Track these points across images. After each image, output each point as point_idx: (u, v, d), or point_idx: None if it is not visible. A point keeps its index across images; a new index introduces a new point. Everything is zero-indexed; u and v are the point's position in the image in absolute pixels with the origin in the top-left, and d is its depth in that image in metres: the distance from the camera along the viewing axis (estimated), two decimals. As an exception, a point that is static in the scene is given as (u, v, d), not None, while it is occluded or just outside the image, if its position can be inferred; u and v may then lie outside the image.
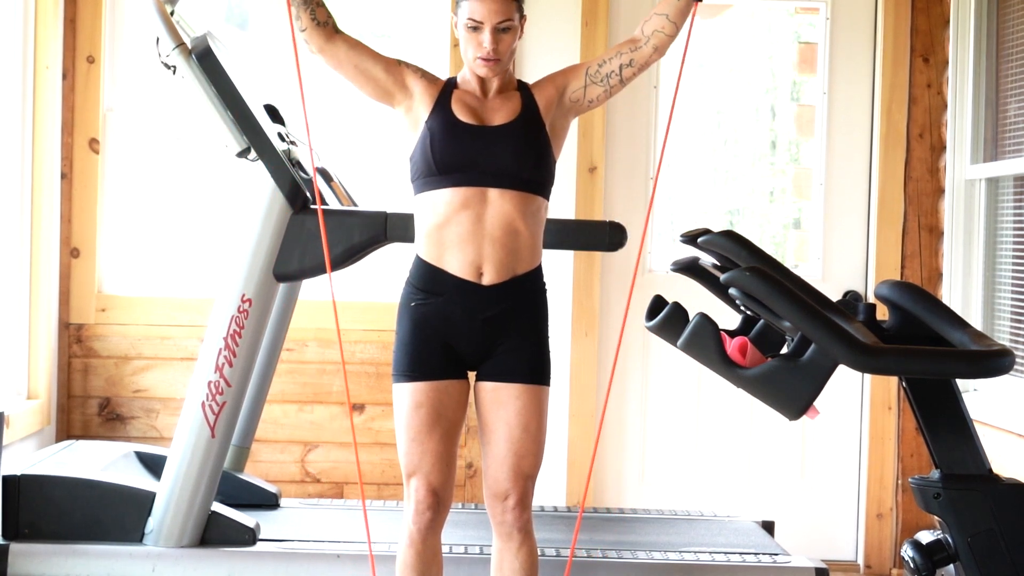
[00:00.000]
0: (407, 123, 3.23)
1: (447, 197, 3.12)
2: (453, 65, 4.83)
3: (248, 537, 3.81)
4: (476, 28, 3.11)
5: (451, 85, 3.24)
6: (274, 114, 4.04)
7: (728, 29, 5.23)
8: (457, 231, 3.11)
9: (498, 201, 3.11)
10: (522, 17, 3.19)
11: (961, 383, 4.10)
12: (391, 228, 3.77)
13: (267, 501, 4.28)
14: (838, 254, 5.04)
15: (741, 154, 5.20)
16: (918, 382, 2.73)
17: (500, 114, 3.19)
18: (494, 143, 3.13)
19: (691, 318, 2.78)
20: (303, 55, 3.29)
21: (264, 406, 4.36)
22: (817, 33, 5.07)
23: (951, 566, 2.77)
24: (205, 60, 3.69)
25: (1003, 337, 4.50)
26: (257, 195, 3.78)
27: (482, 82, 3.22)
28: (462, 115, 3.16)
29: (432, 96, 3.20)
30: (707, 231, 2.96)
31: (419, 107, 3.20)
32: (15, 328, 4.57)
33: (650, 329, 2.90)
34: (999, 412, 4.28)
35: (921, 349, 2.64)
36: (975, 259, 4.69)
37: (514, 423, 3.12)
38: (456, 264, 3.13)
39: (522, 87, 3.27)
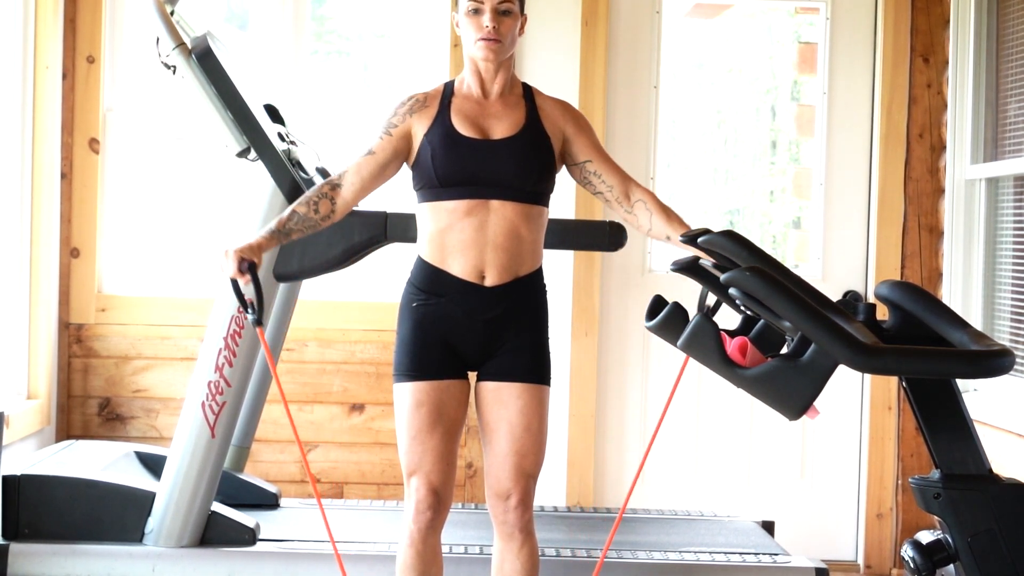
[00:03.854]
0: (413, 148, 3.21)
1: (450, 207, 3.12)
2: (453, 65, 4.83)
3: (248, 537, 3.81)
4: (477, 11, 3.12)
5: (449, 92, 3.22)
6: (274, 114, 4.04)
7: (728, 29, 5.24)
8: (460, 237, 3.12)
9: (500, 210, 3.12)
10: (523, 14, 3.20)
11: (961, 383, 4.10)
12: (391, 228, 3.77)
13: (267, 501, 4.28)
14: (838, 254, 5.04)
15: (741, 154, 5.20)
16: (918, 382, 2.73)
17: (503, 125, 3.18)
18: (496, 157, 3.13)
19: (691, 318, 2.78)
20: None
21: (264, 406, 4.36)
22: (817, 33, 5.07)
23: (951, 566, 2.76)
24: (205, 60, 3.69)
25: (1003, 337, 4.50)
26: (257, 195, 3.78)
27: (482, 83, 3.21)
28: (462, 127, 3.15)
29: (429, 115, 3.18)
30: (707, 231, 2.96)
31: (420, 132, 3.18)
32: (15, 328, 4.57)
33: (650, 329, 2.90)
34: (999, 412, 4.28)
35: (921, 349, 2.64)
36: (975, 259, 4.69)
37: (516, 422, 3.12)
38: (458, 267, 3.13)
39: (527, 93, 3.25)
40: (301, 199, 3.19)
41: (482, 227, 3.12)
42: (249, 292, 3.16)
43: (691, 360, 2.87)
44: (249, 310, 3.17)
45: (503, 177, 3.12)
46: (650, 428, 4.99)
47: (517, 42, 3.21)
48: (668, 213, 3.24)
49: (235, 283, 3.15)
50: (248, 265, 3.11)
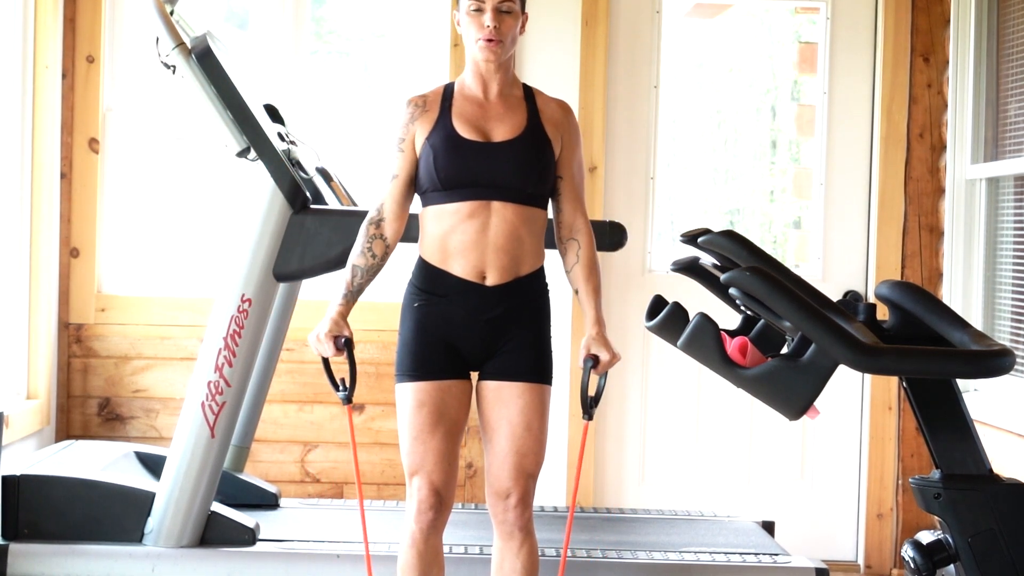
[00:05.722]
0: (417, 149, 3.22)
1: (452, 209, 3.13)
2: (453, 65, 4.82)
3: (248, 537, 3.81)
4: (479, 10, 3.13)
5: (449, 93, 3.22)
6: (274, 114, 4.04)
7: (728, 29, 5.24)
8: (462, 239, 3.12)
9: (501, 211, 3.13)
10: (524, 13, 3.20)
11: (961, 383, 4.10)
12: (391, 228, 3.76)
13: (267, 501, 4.28)
14: (838, 254, 5.03)
15: (741, 154, 5.20)
16: (918, 382, 2.73)
17: (503, 127, 3.18)
18: (497, 159, 3.13)
19: (691, 318, 2.78)
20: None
21: (264, 406, 4.36)
22: (817, 33, 5.06)
23: (951, 566, 2.76)
24: (205, 60, 3.69)
25: (1003, 337, 4.50)
26: (257, 195, 3.78)
27: (483, 83, 3.21)
28: (463, 129, 3.16)
29: (431, 118, 3.18)
30: (707, 231, 2.96)
31: (420, 135, 3.19)
32: (15, 328, 4.57)
33: (650, 329, 2.90)
34: (999, 412, 4.27)
35: (921, 349, 2.64)
36: (975, 259, 4.69)
37: (516, 422, 3.12)
38: (459, 267, 3.13)
39: (527, 94, 3.26)
40: (355, 251, 3.21)
41: (483, 229, 3.12)
42: (342, 370, 3.17)
43: (691, 360, 2.87)
44: (340, 388, 3.18)
45: (504, 179, 3.12)
46: (650, 428, 4.99)
47: (518, 41, 3.22)
48: (590, 269, 3.23)
49: (327, 362, 3.16)
50: (344, 342, 3.13)
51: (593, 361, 3.17)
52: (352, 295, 3.19)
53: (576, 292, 3.23)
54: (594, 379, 3.19)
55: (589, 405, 3.16)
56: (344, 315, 3.17)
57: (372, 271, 3.21)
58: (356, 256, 3.20)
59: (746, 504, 4.94)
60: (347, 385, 3.20)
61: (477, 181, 3.12)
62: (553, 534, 4.09)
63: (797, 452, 5.03)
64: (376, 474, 4.90)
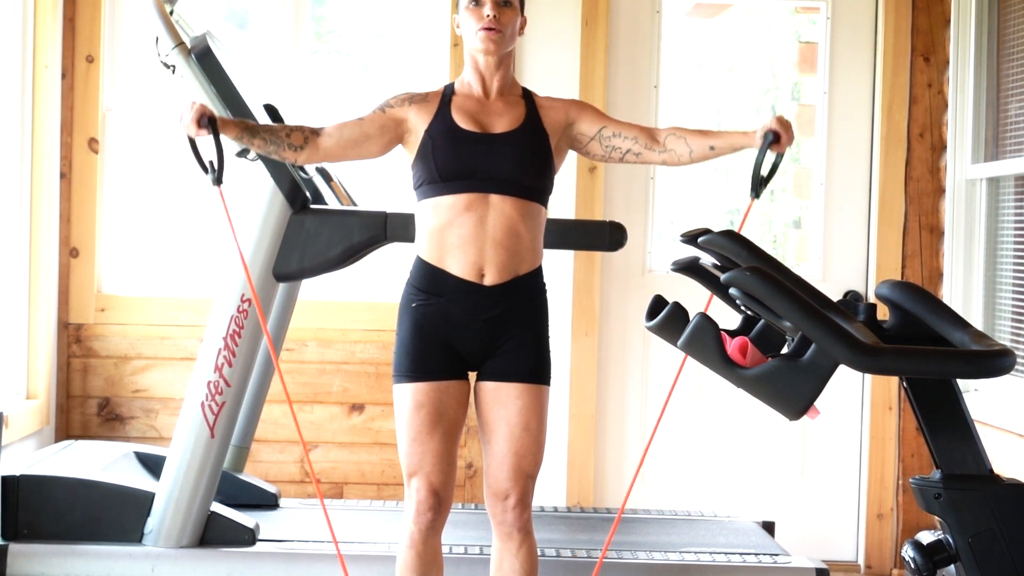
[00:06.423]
0: (410, 142, 3.21)
1: (450, 202, 3.12)
2: (453, 65, 4.82)
3: (248, 537, 3.81)
4: (478, 2, 3.14)
5: (449, 92, 3.23)
6: (274, 114, 4.04)
7: (728, 29, 5.23)
8: (459, 233, 3.11)
9: (500, 205, 3.12)
10: (523, 16, 3.20)
11: (962, 383, 4.09)
12: (391, 228, 3.77)
13: (267, 501, 4.28)
14: (838, 254, 5.03)
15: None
16: (918, 382, 2.73)
17: (503, 120, 3.18)
18: (496, 150, 3.13)
19: (691, 318, 2.77)
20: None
21: (264, 406, 4.36)
22: (817, 32, 5.06)
23: (952, 566, 2.76)
24: (204, 60, 3.69)
25: (1004, 337, 4.50)
26: (257, 195, 3.78)
27: (483, 80, 3.21)
28: (463, 122, 3.16)
29: (429, 111, 3.19)
30: (707, 231, 2.95)
31: (418, 125, 3.19)
32: (14, 328, 4.57)
33: (650, 329, 2.90)
34: (999, 412, 4.27)
35: (921, 349, 2.64)
36: (976, 259, 4.68)
37: (515, 422, 3.12)
38: (457, 265, 3.13)
39: (527, 96, 3.26)
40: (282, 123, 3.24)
41: (481, 222, 3.11)
42: (209, 152, 3.14)
43: (690, 360, 2.86)
44: (208, 170, 3.16)
45: (502, 171, 3.12)
46: (650, 428, 4.98)
47: (516, 40, 3.21)
48: (701, 131, 3.28)
49: (193, 141, 3.14)
50: (208, 120, 3.11)
51: (773, 136, 3.18)
52: (244, 128, 3.20)
53: (712, 149, 3.24)
54: (770, 157, 3.19)
55: (759, 183, 3.20)
56: (224, 120, 3.18)
57: (272, 140, 3.20)
58: (277, 125, 3.24)
59: (746, 504, 4.93)
60: (215, 167, 3.16)
61: (475, 173, 3.11)
62: (553, 534, 4.09)
63: (797, 452, 5.03)
64: (376, 474, 4.90)
